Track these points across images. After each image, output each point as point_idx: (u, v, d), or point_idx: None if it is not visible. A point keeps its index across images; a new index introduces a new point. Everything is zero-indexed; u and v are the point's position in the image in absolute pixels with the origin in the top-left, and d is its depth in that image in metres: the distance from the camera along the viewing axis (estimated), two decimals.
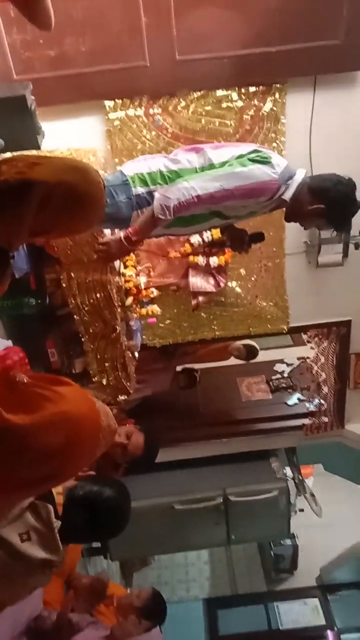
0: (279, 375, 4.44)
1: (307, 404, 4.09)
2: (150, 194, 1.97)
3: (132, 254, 2.71)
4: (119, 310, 2.40)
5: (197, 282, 3.06)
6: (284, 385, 4.33)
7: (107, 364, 2.56)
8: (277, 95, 2.78)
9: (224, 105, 2.78)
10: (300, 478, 4.57)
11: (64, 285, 2.32)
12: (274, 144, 2.84)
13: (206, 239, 2.81)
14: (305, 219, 2.09)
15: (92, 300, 2.33)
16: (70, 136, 2.65)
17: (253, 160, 1.91)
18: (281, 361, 4.57)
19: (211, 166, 1.97)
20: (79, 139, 2.68)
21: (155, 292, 2.85)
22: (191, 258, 2.96)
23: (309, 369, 4.04)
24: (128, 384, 2.65)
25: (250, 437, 4.05)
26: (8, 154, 2.15)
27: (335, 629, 4.80)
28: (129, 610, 2.60)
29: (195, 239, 2.85)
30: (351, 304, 3.48)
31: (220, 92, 2.75)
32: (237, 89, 2.75)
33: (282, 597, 5.13)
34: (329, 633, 4.76)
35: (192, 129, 2.80)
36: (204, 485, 4.08)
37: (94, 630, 2.37)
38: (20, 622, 2.14)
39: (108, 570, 4.57)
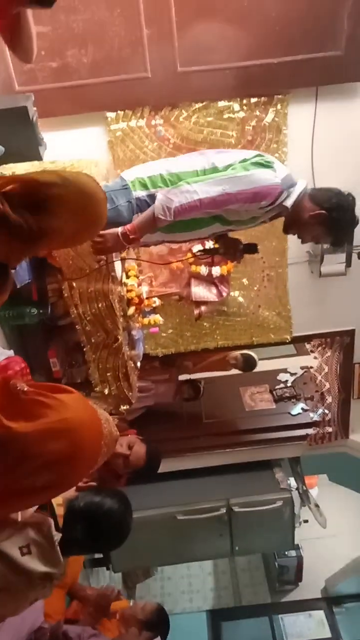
0: (282, 385, 4.42)
1: (310, 414, 4.07)
2: (151, 197, 1.98)
3: (134, 264, 2.72)
4: (121, 319, 2.40)
5: (200, 291, 3.06)
6: (287, 394, 4.31)
7: (109, 374, 2.55)
8: (278, 106, 2.79)
9: (226, 116, 2.79)
10: (305, 488, 4.53)
11: (65, 295, 2.32)
12: (276, 155, 2.84)
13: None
14: (304, 228, 2.08)
15: (94, 310, 2.33)
16: (72, 147, 2.66)
17: (256, 164, 1.92)
18: (284, 370, 4.55)
19: (214, 169, 1.98)
20: (81, 150, 2.70)
21: (157, 302, 2.85)
22: (193, 267, 2.96)
23: (312, 379, 4.02)
24: (130, 393, 2.64)
25: (253, 447, 4.02)
26: (10, 165, 2.17)
27: None
28: (132, 622, 2.58)
29: (198, 248, 2.85)
30: (354, 314, 3.47)
31: (222, 103, 2.76)
32: (238, 99, 2.77)
33: (287, 609, 5.06)
34: None
35: (193, 140, 2.81)
36: (207, 496, 4.05)
37: None
38: (21, 635, 2.12)
39: (110, 582, 4.53)
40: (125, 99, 2.70)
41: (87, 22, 2.50)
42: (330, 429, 4.00)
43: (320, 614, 4.95)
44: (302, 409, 4.15)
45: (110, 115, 2.75)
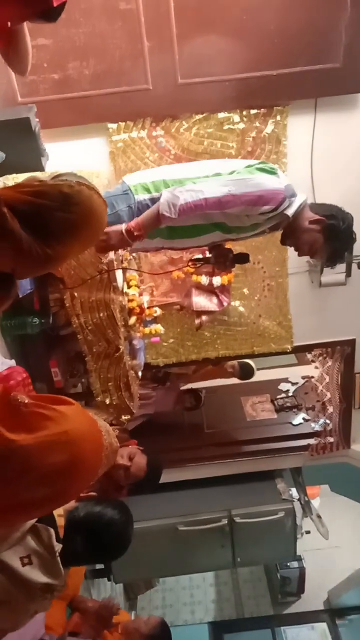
0: (283, 395, 4.41)
1: (312, 424, 4.06)
2: (153, 200, 1.99)
3: (135, 274, 2.72)
4: (122, 329, 2.41)
5: (201, 301, 3.07)
6: (288, 404, 4.30)
7: (110, 384, 2.55)
8: (278, 118, 2.81)
9: (226, 127, 2.81)
10: (307, 499, 4.51)
11: (67, 304, 2.32)
12: (276, 166, 2.86)
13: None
14: (302, 238, 2.07)
15: (95, 320, 2.34)
16: (74, 158, 2.68)
17: (260, 170, 1.94)
18: (286, 380, 4.54)
19: (217, 175, 1.99)
20: (83, 161, 2.72)
21: (158, 311, 2.86)
22: (194, 277, 2.97)
23: (313, 389, 4.01)
24: (131, 403, 2.64)
25: (255, 457, 4.00)
26: (13, 175, 2.18)
27: None
28: (135, 635, 2.57)
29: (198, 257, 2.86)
30: (355, 323, 3.47)
31: (222, 115, 2.79)
32: (238, 111, 2.79)
33: (289, 621, 5.01)
34: None
35: (194, 151, 2.84)
36: (209, 507, 4.03)
37: None
38: None
39: (112, 593, 4.50)
40: (127, 110, 2.73)
41: (88, 34, 2.53)
42: (331, 439, 3.99)
43: (323, 626, 4.91)
44: (304, 418, 4.14)
45: (112, 126, 2.77)
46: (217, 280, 2.98)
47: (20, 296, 2.17)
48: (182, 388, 4.12)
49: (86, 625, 2.54)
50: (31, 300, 2.36)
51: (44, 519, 1.48)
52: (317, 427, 4.01)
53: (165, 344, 3.36)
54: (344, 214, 2.05)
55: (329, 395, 3.93)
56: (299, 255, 2.18)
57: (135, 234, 1.94)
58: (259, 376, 4.01)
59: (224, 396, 4.39)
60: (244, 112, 2.80)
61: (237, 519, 3.95)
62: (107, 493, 2.01)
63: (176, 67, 2.63)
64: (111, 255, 2.23)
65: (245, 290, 3.28)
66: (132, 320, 2.57)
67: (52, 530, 1.48)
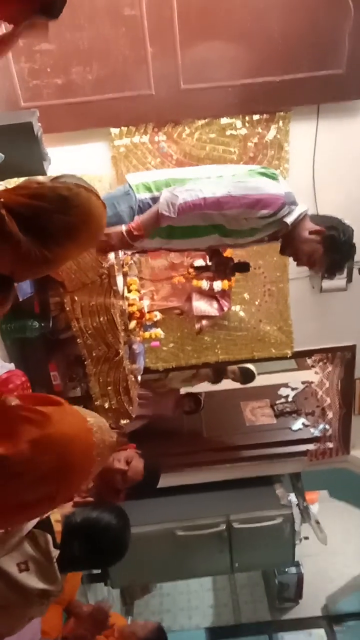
0: (283, 400, 4.41)
1: (311, 429, 4.06)
2: (154, 199, 1.99)
3: (135, 278, 2.73)
4: (122, 333, 2.41)
5: (201, 306, 3.07)
6: (288, 409, 4.29)
7: (109, 388, 2.55)
8: (280, 123, 2.82)
9: (228, 132, 2.82)
10: (305, 504, 4.50)
11: (67, 308, 2.33)
12: (278, 171, 2.86)
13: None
14: (302, 248, 2.06)
15: (95, 324, 2.34)
16: (76, 162, 2.69)
17: (262, 174, 1.95)
18: (286, 385, 4.54)
19: (220, 177, 1.99)
20: (85, 165, 2.72)
21: (158, 316, 2.85)
22: (195, 282, 2.97)
23: (313, 394, 4.01)
24: (130, 407, 2.64)
25: (254, 462, 4.00)
26: (14, 179, 2.19)
27: None
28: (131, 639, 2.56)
29: (199, 262, 2.86)
30: (356, 329, 3.47)
31: (224, 120, 2.80)
32: (241, 116, 2.80)
33: (287, 627, 4.99)
34: None
35: (196, 156, 2.84)
36: (207, 512, 4.03)
37: None
38: None
39: (108, 597, 4.48)
40: (129, 115, 2.74)
41: (92, 39, 2.54)
42: (331, 445, 3.99)
43: (320, 633, 4.89)
44: (303, 424, 4.14)
45: (114, 131, 2.78)
46: (217, 285, 2.98)
47: (21, 299, 2.17)
48: (181, 392, 4.11)
49: (81, 629, 2.53)
50: (31, 304, 2.36)
51: (41, 524, 1.48)
52: (316, 432, 4.00)
53: (165, 348, 3.36)
54: (344, 226, 2.04)
55: (328, 400, 3.93)
56: (298, 265, 2.16)
57: (136, 234, 1.94)
58: (259, 381, 4.01)
59: (223, 401, 4.39)
60: (247, 118, 2.80)
61: (236, 524, 3.94)
62: (104, 497, 2.00)
63: (179, 73, 2.63)
64: (112, 259, 2.24)
65: (246, 295, 3.28)
66: (132, 324, 2.58)
67: (49, 536, 1.47)
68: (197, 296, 3.06)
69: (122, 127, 2.77)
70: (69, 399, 2.61)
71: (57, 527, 1.53)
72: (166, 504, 3.92)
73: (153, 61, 2.59)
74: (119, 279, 2.38)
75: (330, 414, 3.95)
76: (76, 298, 2.29)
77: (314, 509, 4.97)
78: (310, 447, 3.98)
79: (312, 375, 4.02)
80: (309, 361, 3.93)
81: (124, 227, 1.95)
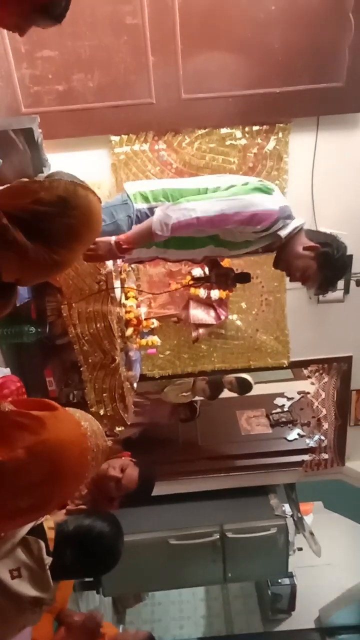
0: (279, 410, 4.40)
1: (307, 440, 4.05)
2: (151, 210, 1.99)
3: (133, 285, 2.73)
4: (118, 340, 2.41)
5: (198, 314, 3.07)
6: (284, 419, 4.29)
7: (105, 395, 2.55)
8: (280, 135, 2.83)
9: (228, 142, 2.83)
10: (300, 516, 4.48)
11: (64, 314, 2.33)
12: (276, 182, 2.88)
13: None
14: (295, 263, 2.04)
15: (92, 330, 2.34)
16: (76, 169, 2.68)
17: (256, 189, 1.94)
18: (281, 395, 4.54)
19: (216, 189, 2.00)
20: (85, 172, 2.72)
21: (155, 323, 2.86)
22: (192, 290, 2.98)
23: (309, 404, 4.01)
24: (126, 415, 2.63)
25: (249, 472, 3.99)
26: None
27: None
28: None
29: (197, 271, 2.87)
30: (352, 340, 3.47)
31: (224, 130, 2.81)
32: (241, 127, 2.81)
33: (280, 638, 4.96)
34: None
35: (195, 165, 2.85)
36: (201, 521, 4.01)
37: None
38: None
39: (100, 606, 4.45)
40: (130, 123, 2.75)
41: (94, 47, 2.55)
42: (326, 456, 3.98)
43: None
44: (299, 434, 4.13)
45: (115, 139, 2.79)
46: (215, 294, 2.98)
47: (18, 305, 2.17)
48: None
49: (72, 638, 2.50)
50: (28, 309, 2.36)
51: (34, 531, 1.47)
52: (311, 443, 4.00)
53: (162, 355, 3.36)
54: (339, 243, 2.02)
55: (324, 411, 3.93)
56: (291, 280, 2.13)
57: (124, 247, 1.93)
58: (255, 390, 4.00)
59: (219, 409, 4.37)
60: (246, 129, 2.82)
61: (229, 534, 3.92)
62: (98, 505, 1.99)
63: (180, 82, 2.65)
64: (110, 266, 2.24)
65: (243, 304, 3.28)
66: (129, 331, 2.58)
67: (42, 543, 1.46)
68: (194, 304, 3.07)
69: (123, 135, 2.78)
70: (64, 404, 2.60)
71: (50, 534, 1.52)
72: (160, 513, 3.91)
73: (154, 70, 2.61)
74: (117, 286, 2.39)
75: (325, 425, 3.94)
76: (73, 304, 2.30)
77: (309, 520, 4.96)
78: (306, 457, 3.97)
79: (308, 385, 4.02)
80: (305, 371, 3.93)
81: (113, 238, 1.94)
